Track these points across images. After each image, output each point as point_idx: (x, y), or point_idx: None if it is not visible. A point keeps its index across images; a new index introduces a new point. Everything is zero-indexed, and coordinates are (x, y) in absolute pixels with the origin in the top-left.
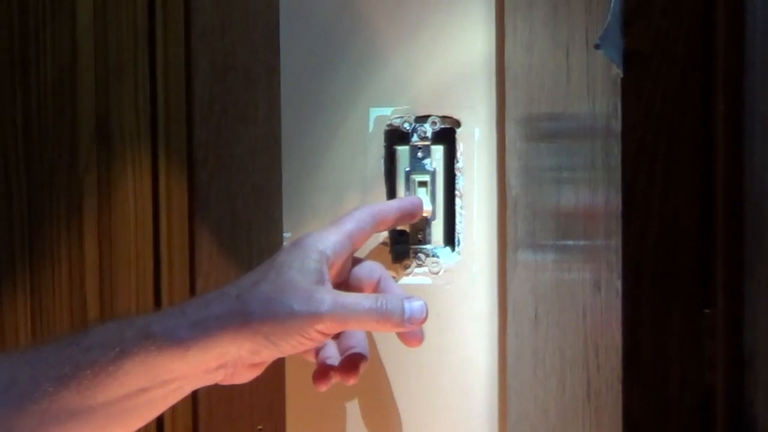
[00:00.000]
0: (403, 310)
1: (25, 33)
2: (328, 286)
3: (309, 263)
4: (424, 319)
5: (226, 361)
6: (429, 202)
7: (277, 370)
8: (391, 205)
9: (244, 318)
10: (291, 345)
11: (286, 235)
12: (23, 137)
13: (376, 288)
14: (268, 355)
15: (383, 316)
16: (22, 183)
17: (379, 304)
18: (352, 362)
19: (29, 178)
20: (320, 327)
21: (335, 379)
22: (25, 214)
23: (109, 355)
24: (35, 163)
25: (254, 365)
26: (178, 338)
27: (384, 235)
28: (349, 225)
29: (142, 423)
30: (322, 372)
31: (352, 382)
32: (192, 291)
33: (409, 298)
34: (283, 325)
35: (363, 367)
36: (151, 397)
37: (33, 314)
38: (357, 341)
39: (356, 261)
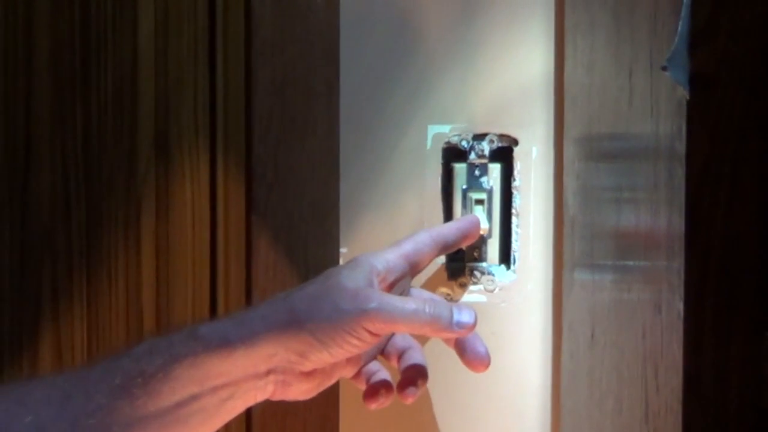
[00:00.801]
0: (451, 314)
1: (86, 44)
2: (376, 288)
3: (357, 272)
4: (473, 326)
5: (275, 365)
6: (485, 220)
7: (331, 386)
8: (450, 227)
9: (289, 315)
10: (339, 344)
11: (342, 250)
12: (83, 148)
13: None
14: (317, 358)
15: (432, 317)
16: (81, 194)
17: (428, 306)
18: (411, 377)
19: (88, 189)
20: (367, 324)
21: (384, 397)
22: (83, 225)
23: (158, 362)
24: (94, 174)
25: (307, 376)
26: (223, 337)
27: None
28: (407, 246)
29: None
30: (372, 389)
31: (410, 400)
32: (248, 305)
33: (458, 305)
34: (330, 321)
35: (422, 385)
36: (203, 405)
37: (90, 326)
38: (417, 359)
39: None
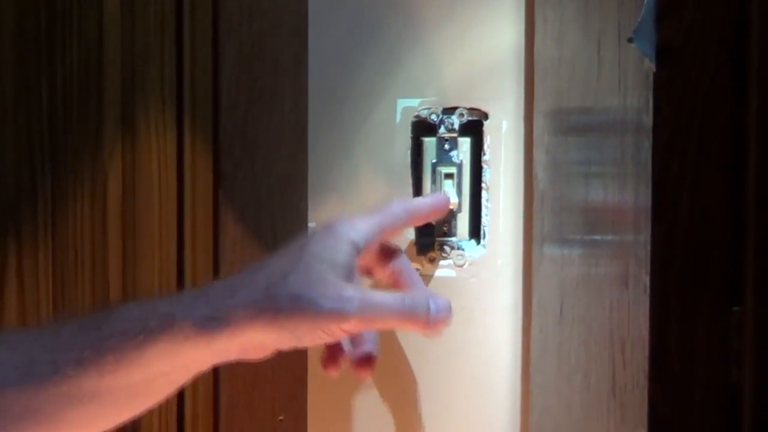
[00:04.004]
0: (428, 310)
1: (52, 17)
2: (356, 281)
3: (340, 256)
4: (449, 320)
5: (248, 347)
6: (455, 195)
7: (298, 361)
8: (424, 202)
9: (272, 312)
10: (312, 339)
11: (311, 224)
12: (48, 122)
13: (398, 276)
14: (289, 346)
15: (410, 317)
16: (47, 168)
17: (406, 304)
18: (366, 359)
19: (54, 164)
20: (346, 326)
21: (345, 365)
22: (49, 200)
23: (131, 343)
24: (60, 147)
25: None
26: (203, 328)
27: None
28: (383, 217)
29: (162, 399)
30: (332, 357)
31: (365, 377)
32: (216, 279)
33: (434, 296)
34: (311, 322)
35: (374, 365)
36: (172, 379)
37: (55, 301)
38: (369, 335)
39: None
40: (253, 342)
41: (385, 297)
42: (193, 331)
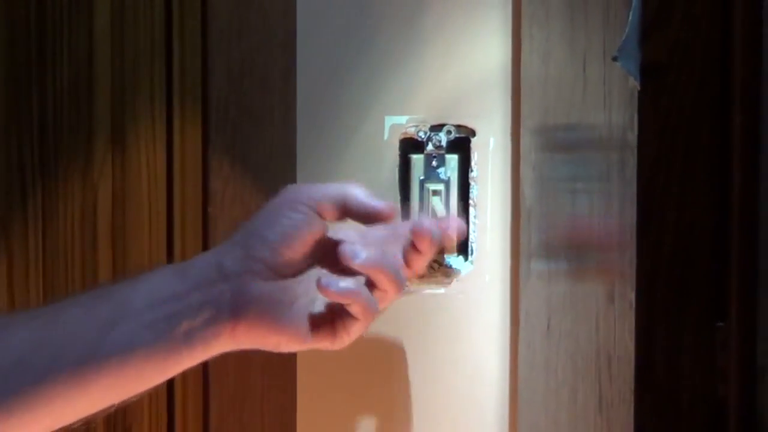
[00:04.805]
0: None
1: (42, 33)
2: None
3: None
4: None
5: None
6: (443, 209)
7: (288, 375)
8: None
9: (234, 339)
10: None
11: None
12: (39, 140)
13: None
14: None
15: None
16: (37, 186)
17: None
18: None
19: (44, 182)
20: (305, 347)
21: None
22: (40, 218)
23: (115, 349)
24: (50, 165)
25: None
26: (171, 351)
27: None
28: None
29: None
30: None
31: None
32: None
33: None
34: (270, 338)
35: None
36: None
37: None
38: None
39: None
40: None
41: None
42: (158, 355)
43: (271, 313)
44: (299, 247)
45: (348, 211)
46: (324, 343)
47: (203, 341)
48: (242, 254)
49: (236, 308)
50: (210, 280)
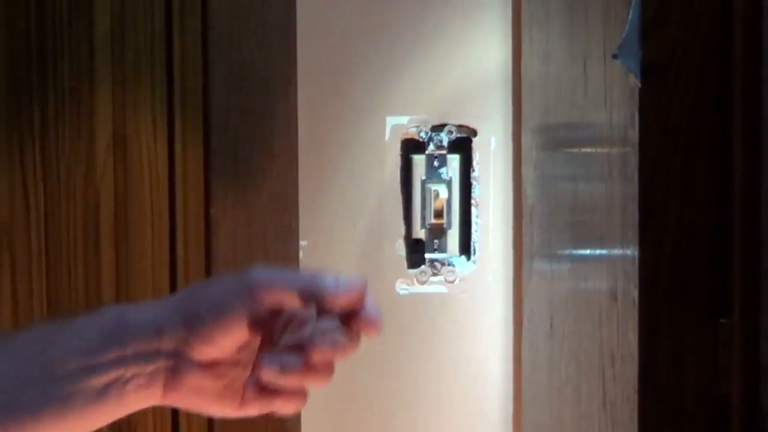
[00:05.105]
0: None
1: (43, 41)
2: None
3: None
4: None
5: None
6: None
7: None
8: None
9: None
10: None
11: (302, 243)
12: (40, 142)
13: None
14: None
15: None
16: (39, 188)
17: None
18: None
19: (46, 184)
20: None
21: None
22: (42, 220)
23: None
24: (52, 167)
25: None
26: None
27: (399, 242)
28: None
29: None
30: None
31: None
32: None
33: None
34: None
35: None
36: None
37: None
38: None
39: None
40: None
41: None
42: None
43: (202, 397)
44: (240, 337)
45: (316, 302)
46: (249, 411)
47: (122, 398)
48: (183, 335)
49: (168, 384)
50: (146, 348)
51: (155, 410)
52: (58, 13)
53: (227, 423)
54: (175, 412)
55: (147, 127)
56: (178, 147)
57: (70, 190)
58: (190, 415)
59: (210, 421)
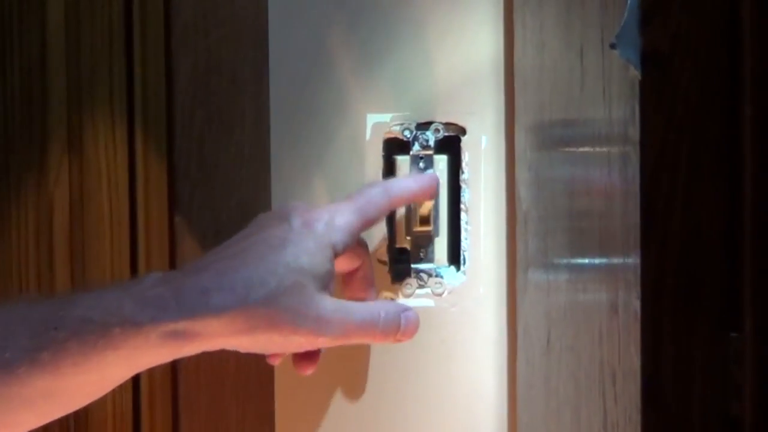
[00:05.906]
0: (399, 326)
1: None
2: (332, 289)
3: (319, 266)
4: (416, 331)
5: (215, 348)
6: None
7: (265, 401)
8: (408, 186)
9: (248, 327)
10: (286, 350)
11: None
12: None
13: (360, 281)
14: (260, 351)
15: (383, 337)
16: None
17: (380, 325)
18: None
19: None
20: (319, 343)
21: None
22: None
23: (92, 350)
24: (1, 174)
25: None
26: (173, 339)
27: (382, 251)
28: (363, 211)
29: (115, 387)
30: (306, 357)
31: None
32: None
33: (405, 310)
34: (284, 339)
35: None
36: (130, 373)
37: None
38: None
39: None
40: (221, 346)
41: (362, 316)
42: (159, 341)
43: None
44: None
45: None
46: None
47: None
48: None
49: None
50: None
51: (115, 410)
52: (6, 3)
53: (193, 423)
54: (137, 412)
55: (105, 127)
56: (138, 148)
57: (21, 196)
58: (152, 416)
59: (175, 423)
